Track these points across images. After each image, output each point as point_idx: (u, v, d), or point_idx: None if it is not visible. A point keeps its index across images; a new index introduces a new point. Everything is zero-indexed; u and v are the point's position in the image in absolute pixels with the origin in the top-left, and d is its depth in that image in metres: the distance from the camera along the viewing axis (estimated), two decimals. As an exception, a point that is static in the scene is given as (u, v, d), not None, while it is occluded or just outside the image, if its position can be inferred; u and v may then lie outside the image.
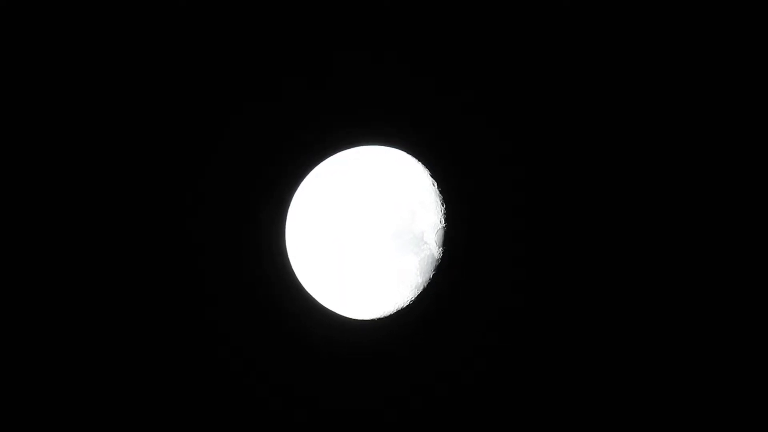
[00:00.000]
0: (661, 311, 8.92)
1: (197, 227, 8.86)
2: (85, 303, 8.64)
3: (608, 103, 8.81)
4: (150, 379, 8.84)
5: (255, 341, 9.04)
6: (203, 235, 8.87)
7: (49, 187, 8.49)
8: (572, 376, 9.03)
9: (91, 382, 8.70)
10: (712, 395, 8.81)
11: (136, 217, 8.67)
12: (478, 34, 8.64)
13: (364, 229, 8.61)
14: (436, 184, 8.92)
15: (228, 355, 8.96)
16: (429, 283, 8.86)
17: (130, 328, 8.75)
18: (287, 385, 9.15)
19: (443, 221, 8.82)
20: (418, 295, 8.88)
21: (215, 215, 8.87)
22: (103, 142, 8.56)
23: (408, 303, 8.91)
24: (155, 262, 8.74)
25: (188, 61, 8.51)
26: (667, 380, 8.90)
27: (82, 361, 8.66)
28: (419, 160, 8.97)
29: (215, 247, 8.87)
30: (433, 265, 8.82)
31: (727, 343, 8.78)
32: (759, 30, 8.35)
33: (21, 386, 8.57)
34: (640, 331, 8.98)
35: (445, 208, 8.85)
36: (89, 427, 8.70)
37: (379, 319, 8.93)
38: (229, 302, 8.95)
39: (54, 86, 8.38)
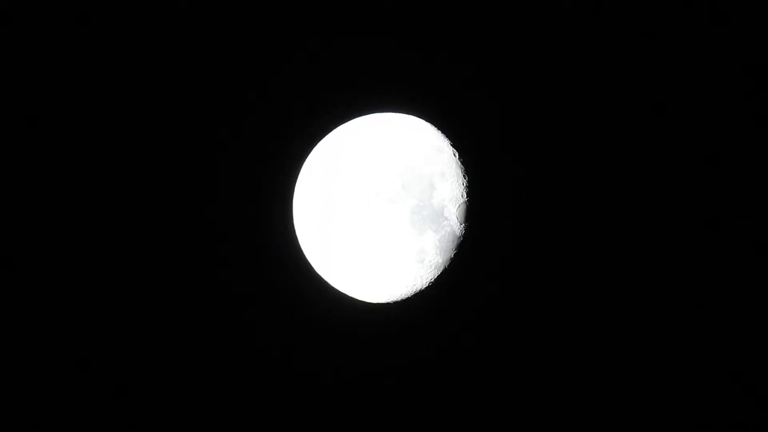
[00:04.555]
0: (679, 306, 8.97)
1: (198, 202, 8.88)
2: (91, 287, 8.78)
3: (634, 76, 8.84)
4: (157, 366, 8.93)
5: (261, 325, 8.99)
6: (202, 210, 8.88)
7: (50, 180, 8.63)
8: (606, 364, 9.01)
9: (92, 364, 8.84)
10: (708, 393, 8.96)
11: (130, 203, 8.75)
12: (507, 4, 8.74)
13: (379, 204, 8.43)
14: (457, 153, 8.78)
15: (236, 344, 8.96)
16: (450, 264, 8.73)
17: (131, 320, 8.84)
18: (297, 373, 9.12)
19: (465, 195, 8.70)
20: (438, 277, 8.75)
21: (216, 191, 8.86)
22: (105, 129, 8.67)
23: (427, 285, 8.78)
24: (157, 250, 8.81)
25: (187, 35, 8.62)
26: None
27: (82, 341, 8.83)
28: (438, 128, 8.83)
29: (215, 225, 8.83)
30: (455, 243, 8.69)
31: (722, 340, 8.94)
32: (759, 30, 8.56)
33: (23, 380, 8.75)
34: (668, 322, 8.99)
35: (468, 180, 8.72)
36: (86, 413, 8.84)
37: (395, 303, 8.82)
38: (233, 285, 8.91)
39: (53, 84, 8.49)
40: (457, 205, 8.66)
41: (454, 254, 8.71)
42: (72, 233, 8.72)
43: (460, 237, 8.69)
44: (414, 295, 8.80)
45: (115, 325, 8.81)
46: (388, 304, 8.83)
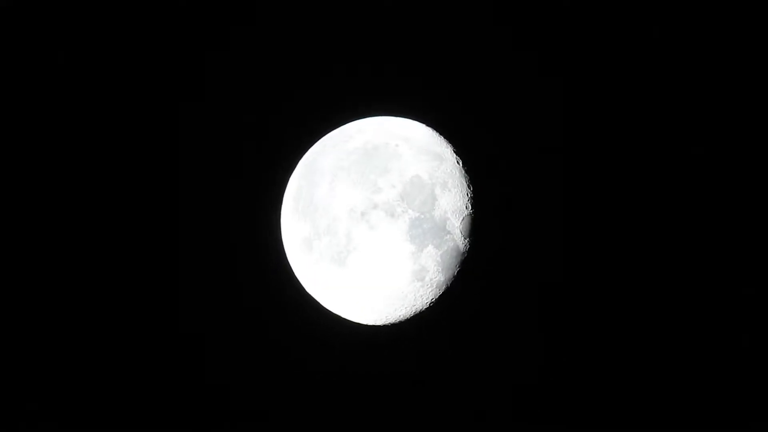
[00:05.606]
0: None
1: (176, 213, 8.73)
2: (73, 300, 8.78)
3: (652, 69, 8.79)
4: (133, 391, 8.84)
5: (240, 351, 8.82)
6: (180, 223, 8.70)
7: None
8: (622, 392, 8.81)
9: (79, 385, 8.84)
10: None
11: (123, 213, 8.77)
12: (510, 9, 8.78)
13: (375, 217, 8.03)
14: (461, 161, 8.47)
15: (217, 374, 8.89)
16: (453, 282, 8.44)
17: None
18: (287, 402, 8.91)
19: (470, 206, 8.37)
20: (440, 296, 8.46)
21: (191, 198, 8.76)
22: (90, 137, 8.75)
23: (428, 305, 8.47)
24: (140, 262, 8.79)
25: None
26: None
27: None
28: (441, 134, 8.58)
29: (193, 241, 8.64)
30: (458, 259, 8.36)
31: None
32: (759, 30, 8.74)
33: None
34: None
35: (473, 191, 8.42)
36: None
37: (393, 325, 8.56)
38: (214, 309, 8.77)
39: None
40: (461, 218, 8.34)
41: (458, 271, 8.42)
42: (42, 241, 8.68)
43: (464, 253, 8.39)
44: (413, 316, 8.53)
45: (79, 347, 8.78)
46: (385, 326, 8.58)
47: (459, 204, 8.36)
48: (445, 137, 8.57)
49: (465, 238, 8.38)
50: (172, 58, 8.65)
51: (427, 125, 8.58)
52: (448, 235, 8.29)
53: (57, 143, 8.59)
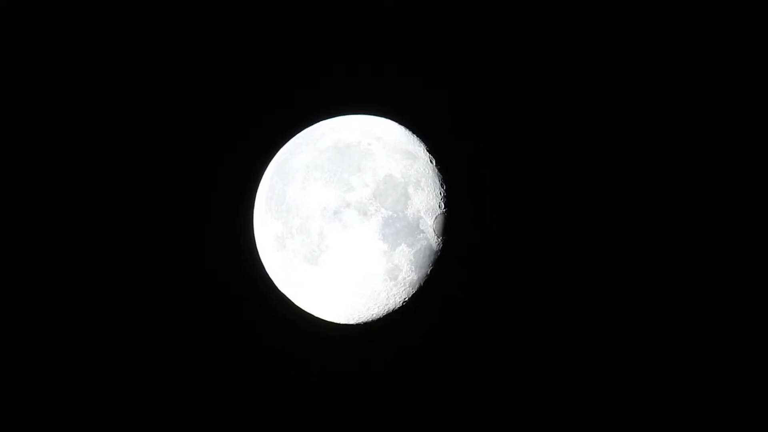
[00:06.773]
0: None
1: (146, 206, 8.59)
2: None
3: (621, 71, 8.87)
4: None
5: (215, 349, 8.77)
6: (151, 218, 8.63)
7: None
8: (598, 390, 8.79)
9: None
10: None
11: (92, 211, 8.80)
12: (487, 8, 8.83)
13: (347, 216, 8.01)
14: (434, 160, 8.45)
15: (189, 373, 8.88)
16: (426, 281, 8.42)
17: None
18: (258, 404, 8.91)
19: (443, 205, 8.36)
20: (413, 295, 8.45)
21: (167, 194, 8.71)
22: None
23: (401, 304, 8.46)
24: (113, 261, 8.78)
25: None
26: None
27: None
28: (413, 132, 8.56)
29: (165, 239, 8.56)
30: (431, 258, 8.35)
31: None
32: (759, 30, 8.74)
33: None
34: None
35: (446, 190, 8.41)
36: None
37: (365, 324, 8.53)
38: (185, 308, 8.72)
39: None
40: (434, 217, 8.32)
41: (431, 270, 8.40)
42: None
43: (437, 252, 8.37)
44: (386, 315, 8.51)
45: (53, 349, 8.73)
46: (357, 325, 8.56)
47: (432, 203, 8.33)
48: (418, 136, 8.55)
49: (438, 237, 8.37)
50: (172, 58, 8.68)
51: (399, 123, 8.56)
52: (421, 234, 8.26)
53: (57, 142, 8.64)
